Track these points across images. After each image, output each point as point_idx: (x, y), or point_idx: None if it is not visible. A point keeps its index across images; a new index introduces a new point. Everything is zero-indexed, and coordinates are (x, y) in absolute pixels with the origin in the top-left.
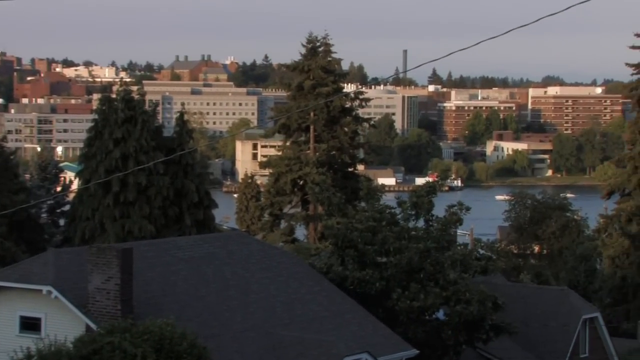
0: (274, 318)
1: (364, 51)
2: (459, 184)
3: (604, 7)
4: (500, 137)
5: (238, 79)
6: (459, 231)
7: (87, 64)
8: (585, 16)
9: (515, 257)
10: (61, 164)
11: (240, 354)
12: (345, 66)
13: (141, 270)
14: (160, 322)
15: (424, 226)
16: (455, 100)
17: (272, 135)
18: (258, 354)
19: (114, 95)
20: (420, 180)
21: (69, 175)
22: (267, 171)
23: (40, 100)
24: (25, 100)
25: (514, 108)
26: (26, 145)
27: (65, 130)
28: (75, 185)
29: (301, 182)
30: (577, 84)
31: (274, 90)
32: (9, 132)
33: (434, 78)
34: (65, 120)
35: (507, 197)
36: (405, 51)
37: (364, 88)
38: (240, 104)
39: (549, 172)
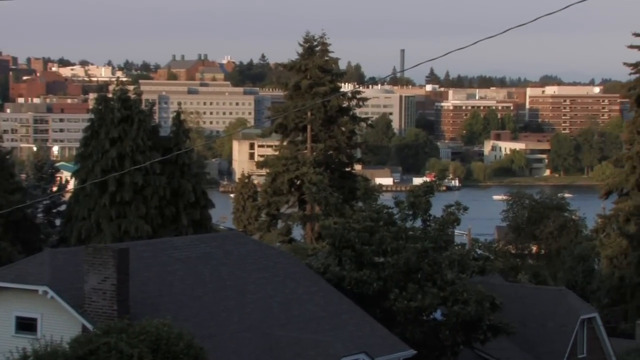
0: (271, 318)
1: (361, 50)
2: (457, 183)
3: (602, 7)
4: (498, 137)
5: (235, 79)
6: (457, 231)
7: (83, 63)
8: (583, 15)
9: (513, 257)
10: (57, 164)
11: (237, 354)
12: (342, 66)
13: (137, 270)
14: (156, 323)
15: (421, 226)
16: (453, 99)
17: (269, 135)
18: (255, 355)
19: (110, 95)
20: (417, 180)
21: (65, 175)
22: (264, 171)
23: (36, 100)
24: (21, 100)
25: (511, 108)
26: (22, 145)
27: (61, 130)
28: (71, 185)
29: (298, 182)
30: (575, 84)
31: (271, 89)
32: (5, 131)
33: (432, 77)
34: (61, 120)
35: (504, 197)
36: (402, 50)
37: (361, 87)
38: (237, 104)
39: (547, 172)
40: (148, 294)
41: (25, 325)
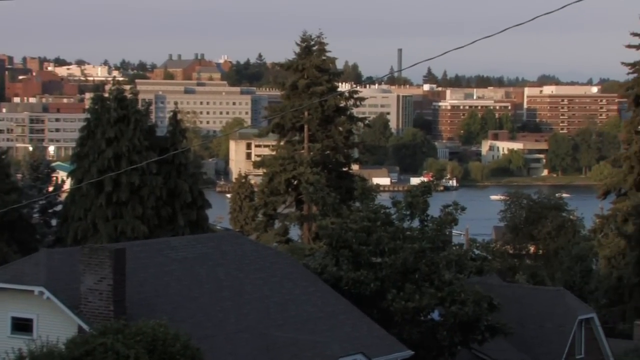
0: (268, 319)
1: (358, 50)
2: (454, 183)
3: (599, 6)
4: (496, 137)
5: (232, 78)
6: (454, 231)
7: (80, 62)
8: (581, 15)
9: (510, 258)
10: (53, 164)
11: (234, 355)
12: (339, 65)
13: (134, 270)
14: (153, 323)
15: (419, 226)
16: (451, 99)
17: (266, 135)
18: (252, 355)
19: (106, 95)
20: (415, 180)
21: (61, 175)
22: (261, 171)
23: (32, 100)
24: (17, 99)
25: (509, 107)
26: (18, 145)
27: (57, 130)
28: (67, 185)
29: (295, 182)
30: (572, 83)
31: (267, 89)
32: (1, 131)
33: (429, 77)
34: (57, 120)
35: (502, 197)
36: (400, 50)
37: (358, 87)
38: (233, 103)
39: (545, 172)
40: (144, 294)
41: (21, 326)
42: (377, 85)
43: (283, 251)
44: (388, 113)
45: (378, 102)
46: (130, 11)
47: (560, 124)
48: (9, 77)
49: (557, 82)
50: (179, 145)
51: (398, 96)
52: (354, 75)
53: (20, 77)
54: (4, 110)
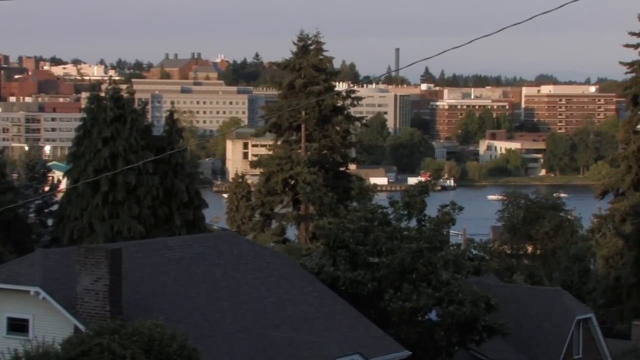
0: (265, 319)
1: (355, 49)
2: (452, 183)
3: (597, 5)
4: (494, 137)
5: (228, 78)
6: (452, 231)
7: (76, 62)
8: (578, 14)
9: (508, 258)
10: (49, 164)
11: (231, 355)
12: (336, 64)
13: (130, 270)
14: (149, 324)
15: (416, 226)
16: (448, 99)
17: (263, 135)
18: (249, 355)
19: (102, 94)
20: (412, 180)
21: (57, 174)
22: (257, 171)
23: (28, 99)
24: (12, 99)
25: (507, 107)
26: (14, 145)
27: (53, 129)
28: (63, 185)
29: (292, 182)
30: (570, 83)
31: (264, 88)
32: None
33: (427, 77)
34: (53, 119)
35: (499, 197)
36: (397, 49)
37: (355, 86)
38: (230, 103)
39: (543, 172)
40: (141, 294)
41: (17, 326)
42: (374, 84)
43: (280, 251)
44: (385, 112)
45: (375, 102)
46: (127, 10)
47: (558, 124)
48: (4, 77)
49: (554, 82)
50: (176, 144)
51: (395, 96)
52: (351, 74)
53: (16, 77)
54: None
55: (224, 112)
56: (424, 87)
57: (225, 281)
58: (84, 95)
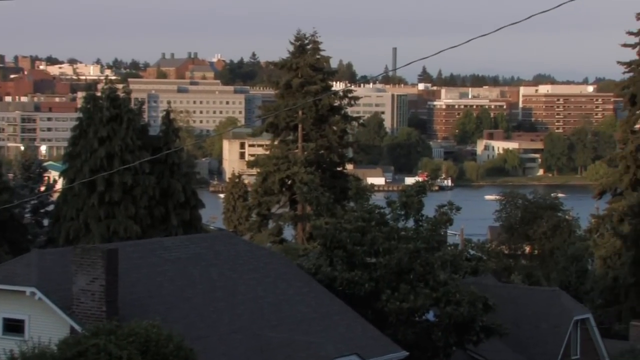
0: (262, 319)
1: (352, 49)
2: (449, 183)
3: (595, 5)
4: (491, 136)
5: (225, 77)
6: (449, 231)
7: (72, 61)
8: (576, 14)
9: (506, 258)
10: (45, 163)
11: (228, 356)
12: (333, 64)
13: (127, 271)
14: (146, 324)
15: (413, 226)
16: (446, 98)
17: (260, 134)
18: (245, 356)
19: (99, 94)
20: (409, 180)
21: (53, 174)
22: (254, 170)
23: (23, 99)
24: (8, 99)
25: (504, 107)
26: (9, 144)
27: (49, 129)
28: (59, 185)
29: (289, 182)
30: (568, 83)
31: (261, 88)
32: None
33: (424, 76)
34: (49, 119)
35: (497, 197)
36: (394, 49)
37: (352, 86)
38: (227, 103)
39: (540, 172)
40: (137, 295)
41: (13, 327)
42: (371, 84)
43: (277, 251)
44: (383, 112)
45: (372, 102)
46: (123, 10)
47: (556, 124)
48: (0, 76)
49: (552, 82)
50: (172, 144)
51: (393, 95)
52: (348, 74)
53: (12, 76)
54: None
55: (221, 112)
56: (421, 86)
57: (222, 281)
58: (80, 95)
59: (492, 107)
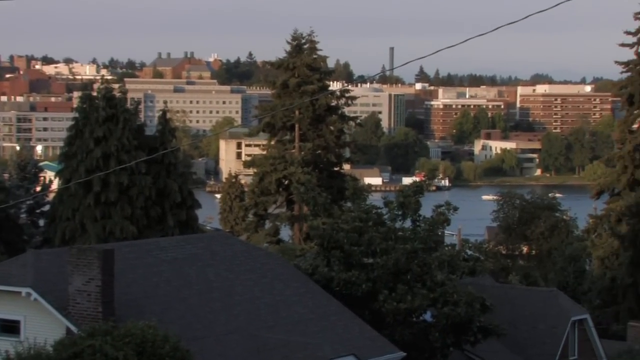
0: (259, 320)
1: (349, 49)
2: (447, 183)
3: (593, 5)
4: (489, 136)
5: (222, 77)
6: (447, 232)
7: (68, 61)
8: (574, 13)
9: (503, 258)
10: (41, 163)
11: (224, 356)
12: (330, 64)
13: (123, 271)
14: (142, 325)
15: (411, 227)
16: (443, 98)
17: (257, 134)
18: (242, 357)
19: (94, 93)
20: (407, 180)
21: (49, 174)
22: (251, 171)
23: (19, 98)
24: (4, 98)
25: (502, 106)
26: (5, 144)
27: (45, 129)
28: (55, 185)
29: (286, 182)
30: (566, 82)
31: (258, 88)
32: None
33: (421, 76)
34: (45, 119)
35: (494, 197)
36: (391, 49)
37: (349, 86)
38: (224, 102)
39: (538, 172)
40: (133, 295)
41: (8, 328)
42: (368, 84)
43: (274, 252)
44: (380, 112)
45: (370, 101)
46: (119, 9)
47: (554, 123)
48: None
49: (550, 81)
50: (169, 144)
51: (390, 95)
52: (345, 74)
53: (8, 76)
54: None
55: (217, 112)
56: (418, 86)
57: (218, 282)
58: (76, 94)
59: (490, 107)
